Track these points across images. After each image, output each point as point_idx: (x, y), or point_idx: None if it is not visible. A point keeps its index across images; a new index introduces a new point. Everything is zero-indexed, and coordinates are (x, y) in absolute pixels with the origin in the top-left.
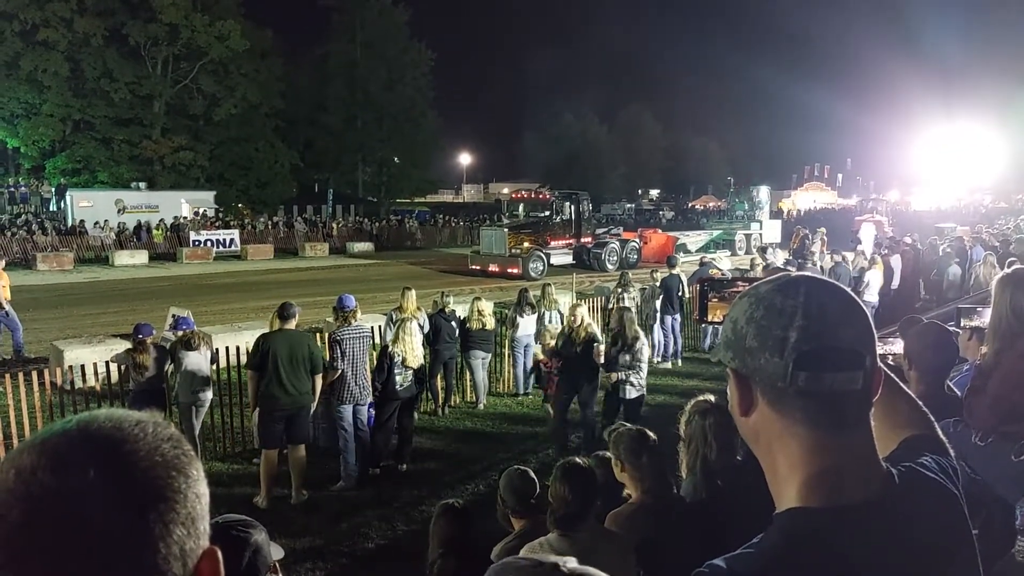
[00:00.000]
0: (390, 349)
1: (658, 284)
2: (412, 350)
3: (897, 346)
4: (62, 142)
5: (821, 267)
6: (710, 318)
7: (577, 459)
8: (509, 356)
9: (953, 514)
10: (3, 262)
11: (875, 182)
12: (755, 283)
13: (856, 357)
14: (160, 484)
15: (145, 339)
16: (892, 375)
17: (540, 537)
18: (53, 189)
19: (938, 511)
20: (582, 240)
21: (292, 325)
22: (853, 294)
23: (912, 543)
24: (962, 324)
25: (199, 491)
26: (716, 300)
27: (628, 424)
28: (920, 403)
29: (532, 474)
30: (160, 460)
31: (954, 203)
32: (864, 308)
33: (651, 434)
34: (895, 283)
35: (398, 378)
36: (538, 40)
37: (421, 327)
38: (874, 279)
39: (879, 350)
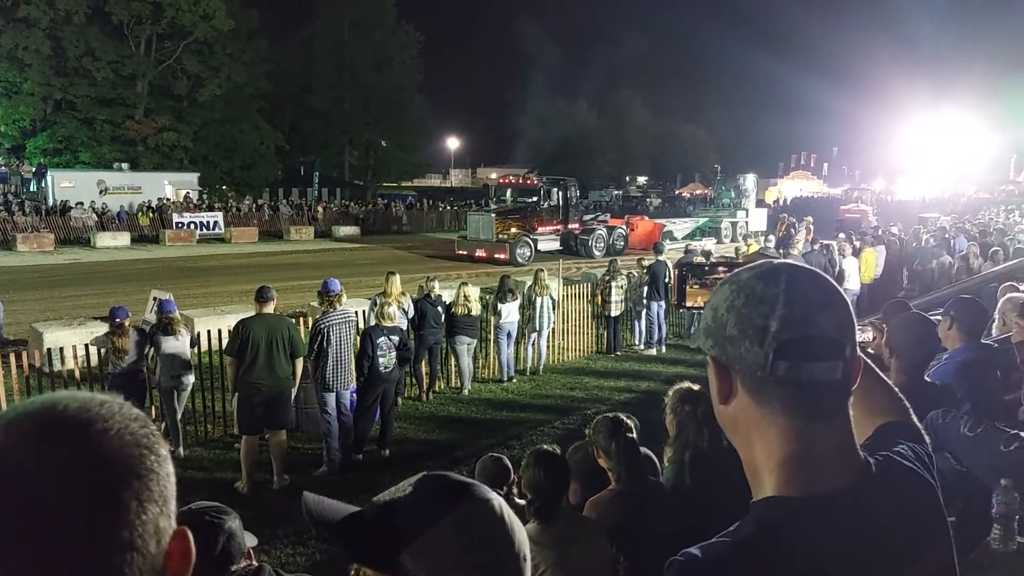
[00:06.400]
0: (378, 323)
1: (645, 271)
2: (392, 317)
3: (867, 334)
4: (43, 121)
5: (783, 252)
6: (689, 304)
7: (546, 446)
8: (494, 343)
9: (929, 503)
10: None
11: (860, 171)
12: (736, 270)
13: (836, 347)
14: (133, 462)
15: (123, 322)
16: (869, 362)
17: None
18: (33, 169)
19: (915, 500)
20: (569, 226)
21: (270, 309)
22: (834, 283)
23: (888, 532)
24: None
25: (169, 471)
26: (696, 286)
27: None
28: (896, 390)
29: (506, 460)
30: (131, 439)
31: (938, 193)
32: (845, 297)
33: (627, 420)
34: (878, 272)
35: (382, 360)
36: (528, 25)
37: (405, 312)
38: (851, 268)
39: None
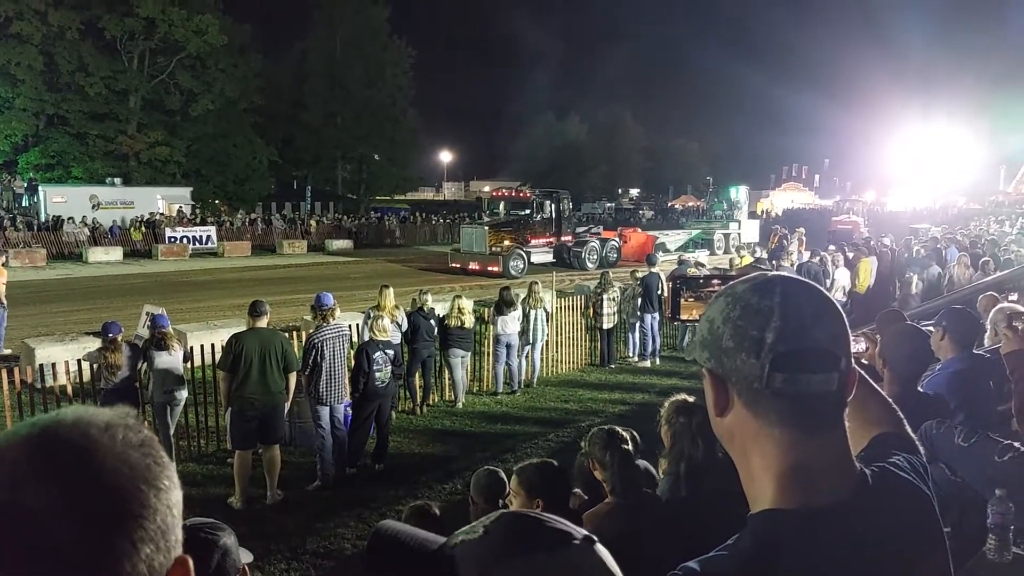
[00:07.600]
0: (373, 337)
1: (638, 283)
2: (386, 329)
3: (860, 345)
4: (35, 137)
5: (775, 264)
6: (683, 317)
7: (535, 460)
8: (491, 354)
9: (925, 514)
10: (4, 257)
11: (852, 183)
12: (731, 282)
13: (832, 358)
14: (127, 500)
15: (116, 338)
16: (864, 373)
17: None
18: (25, 184)
19: (911, 511)
20: (562, 239)
21: (264, 323)
22: (828, 295)
23: (885, 544)
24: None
25: (171, 501)
26: (691, 299)
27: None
28: (890, 401)
29: (501, 473)
30: (128, 472)
31: (929, 204)
32: (840, 309)
33: (623, 432)
34: (870, 282)
35: (379, 375)
36: (519, 39)
37: (399, 325)
38: (841, 279)
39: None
